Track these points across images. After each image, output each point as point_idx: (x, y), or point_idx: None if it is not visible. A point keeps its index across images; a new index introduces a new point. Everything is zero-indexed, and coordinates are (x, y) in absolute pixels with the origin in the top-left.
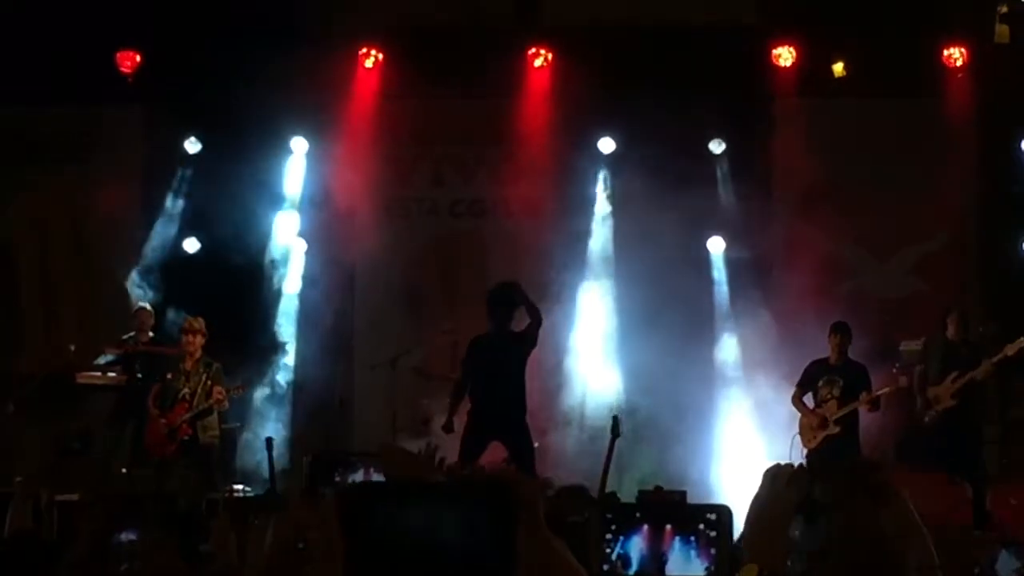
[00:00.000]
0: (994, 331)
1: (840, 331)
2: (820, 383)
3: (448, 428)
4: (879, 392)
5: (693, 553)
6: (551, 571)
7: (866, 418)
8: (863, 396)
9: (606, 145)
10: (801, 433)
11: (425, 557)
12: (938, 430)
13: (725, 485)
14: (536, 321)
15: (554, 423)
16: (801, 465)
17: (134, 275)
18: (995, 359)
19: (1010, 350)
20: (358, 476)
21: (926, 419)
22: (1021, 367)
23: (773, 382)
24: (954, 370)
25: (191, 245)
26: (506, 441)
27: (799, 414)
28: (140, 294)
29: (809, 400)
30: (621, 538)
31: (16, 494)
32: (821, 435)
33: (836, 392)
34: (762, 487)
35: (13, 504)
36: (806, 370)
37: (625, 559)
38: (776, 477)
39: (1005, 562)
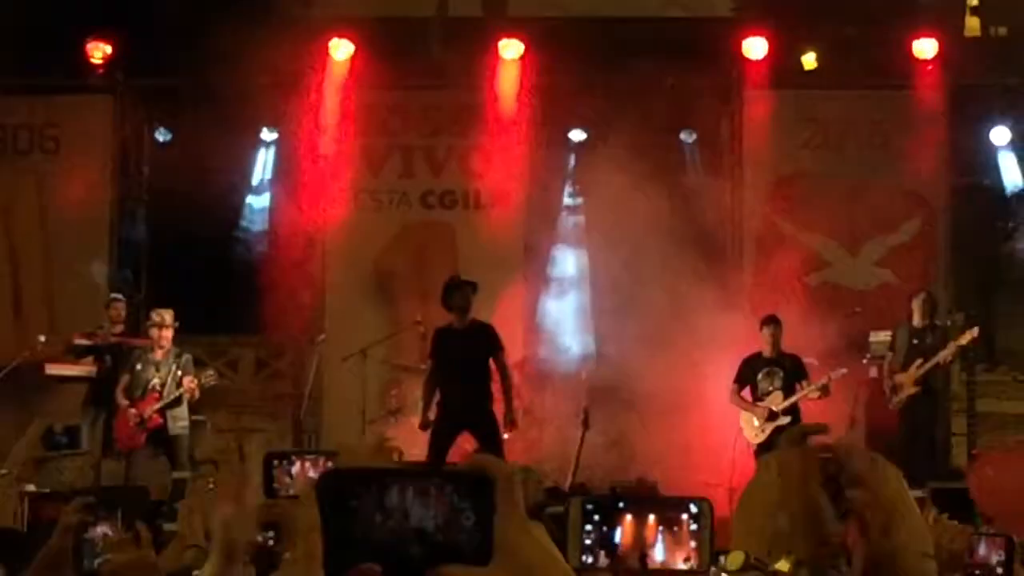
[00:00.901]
0: (962, 322)
1: (773, 323)
2: (759, 376)
3: (425, 426)
4: (833, 375)
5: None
6: (528, 556)
7: (833, 412)
8: (804, 384)
9: (576, 135)
10: (745, 428)
11: (403, 541)
12: (901, 417)
13: (693, 476)
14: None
15: (524, 414)
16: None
17: (104, 266)
18: (960, 341)
19: (965, 339)
20: (295, 469)
21: (890, 406)
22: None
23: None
24: (919, 356)
25: (160, 235)
26: (475, 432)
27: (740, 410)
28: (110, 285)
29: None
30: (603, 529)
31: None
32: (770, 428)
33: (778, 383)
34: (756, 475)
35: None
36: (742, 365)
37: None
38: (770, 466)
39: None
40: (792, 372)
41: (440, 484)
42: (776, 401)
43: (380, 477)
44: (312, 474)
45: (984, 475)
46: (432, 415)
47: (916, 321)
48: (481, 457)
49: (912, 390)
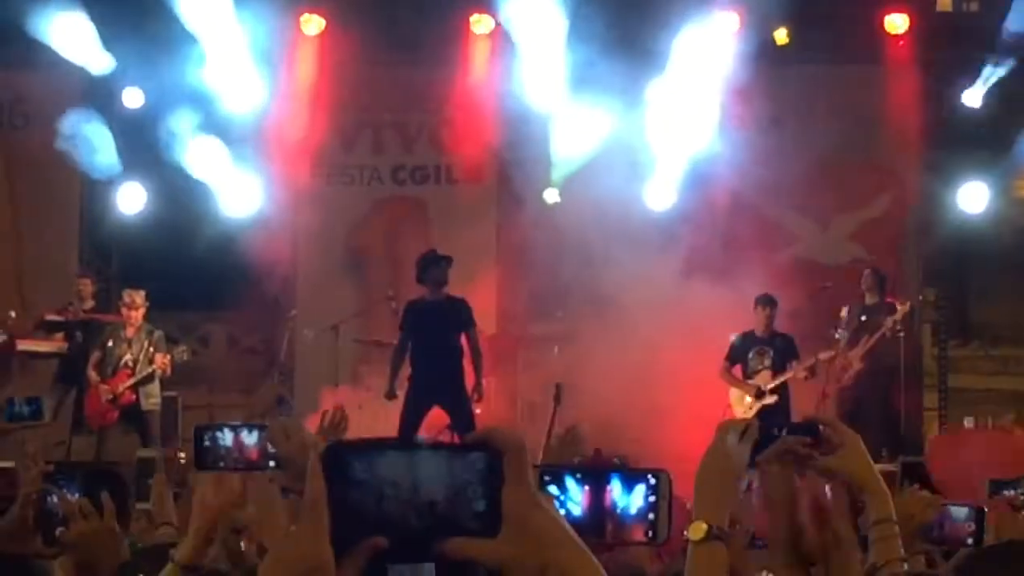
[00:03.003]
0: (932, 297)
1: (768, 303)
2: (750, 355)
3: (391, 395)
4: (822, 357)
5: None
6: (537, 528)
7: (807, 387)
8: (794, 364)
9: (550, 106)
10: (734, 405)
11: (410, 513)
12: (851, 393)
13: (664, 449)
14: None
15: (497, 390)
16: (753, 420)
17: (73, 241)
18: (895, 316)
19: (899, 314)
20: (228, 440)
21: (839, 383)
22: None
23: (716, 347)
24: (865, 333)
25: (130, 209)
26: (447, 407)
27: (730, 386)
28: (80, 261)
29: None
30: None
31: None
32: (757, 406)
33: (767, 362)
34: (714, 443)
35: None
36: (733, 343)
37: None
38: (728, 432)
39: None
40: (783, 351)
41: (447, 456)
42: (765, 379)
43: (386, 448)
44: (249, 444)
45: (937, 454)
46: (398, 386)
47: (867, 299)
48: (489, 428)
49: (859, 366)
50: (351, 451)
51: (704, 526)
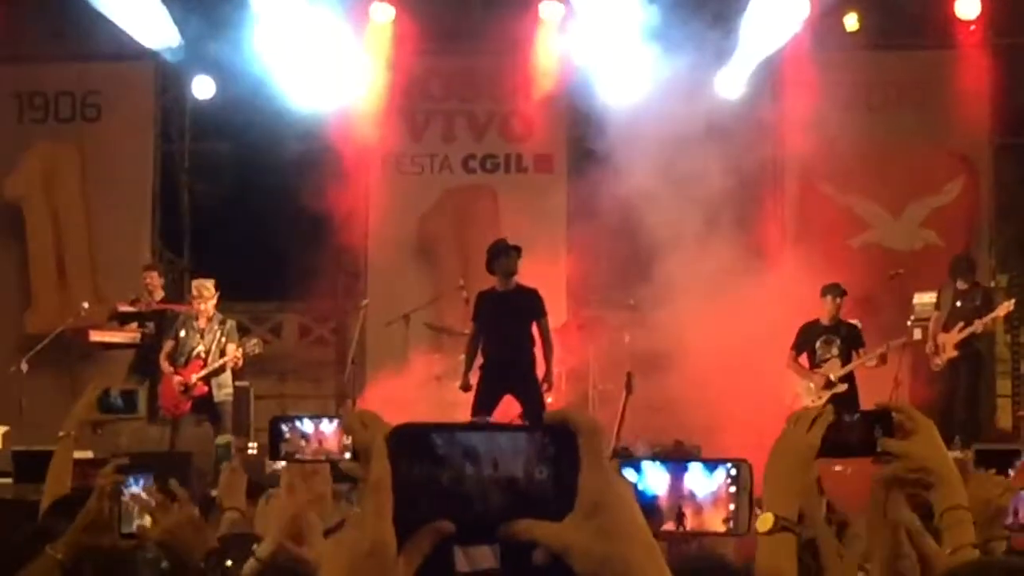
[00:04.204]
0: (1005, 283)
1: (835, 292)
2: (817, 344)
3: (465, 388)
4: (894, 344)
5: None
6: (613, 514)
7: (880, 375)
8: (861, 352)
9: (612, 98)
10: (802, 395)
11: (477, 496)
12: (941, 380)
13: (735, 439)
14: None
15: (568, 379)
16: (826, 408)
17: (146, 232)
18: (986, 318)
19: (1002, 311)
20: (308, 431)
21: (933, 366)
22: None
23: (788, 335)
24: (961, 320)
25: (202, 201)
26: (518, 395)
27: (798, 376)
28: (150, 252)
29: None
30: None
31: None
32: (827, 395)
33: (835, 351)
34: (784, 433)
35: (53, 461)
36: (800, 333)
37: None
38: (799, 421)
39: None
40: (849, 340)
41: (522, 435)
42: (834, 368)
43: (455, 430)
44: (328, 434)
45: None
46: (473, 378)
47: (960, 283)
48: (567, 409)
49: (952, 353)
50: (419, 434)
51: (772, 517)
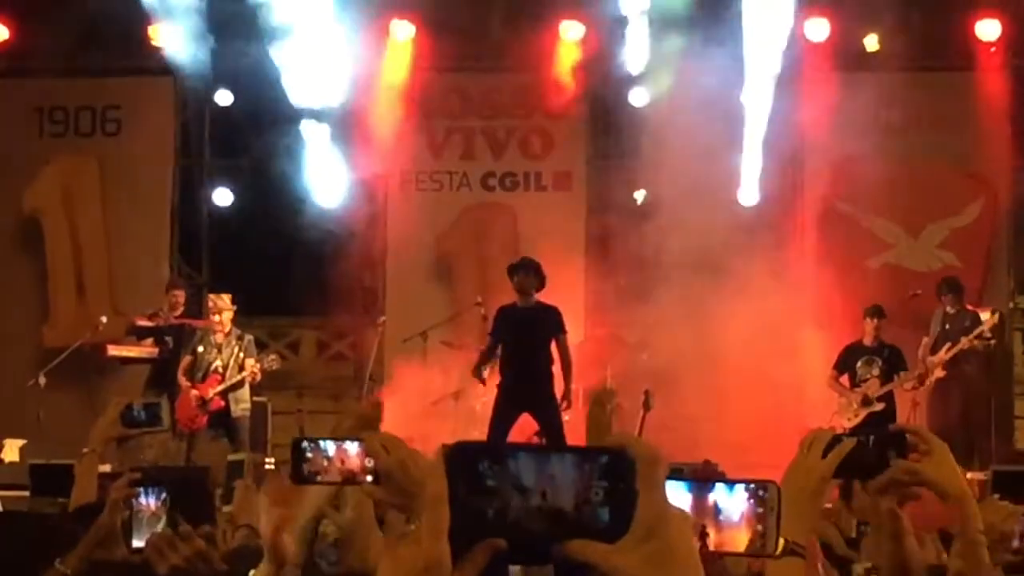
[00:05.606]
0: None
1: (876, 315)
2: (859, 364)
3: (478, 376)
4: (929, 363)
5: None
6: (668, 541)
7: (899, 395)
8: (902, 375)
9: (632, 115)
10: (840, 412)
11: (532, 517)
12: (932, 401)
13: (757, 459)
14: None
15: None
16: (839, 433)
17: (164, 247)
18: (972, 334)
19: (987, 325)
20: (331, 452)
21: (921, 387)
22: None
23: (805, 353)
24: (947, 341)
25: (221, 217)
26: (536, 414)
27: (837, 395)
28: (169, 267)
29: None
30: None
31: (80, 466)
32: (864, 412)
33: (876, 371)
34: (797, 457)
35: (78, 476)
36: (842, 353)
37: None
38: (812, 445)
39: None
40: (891, 362)
41: (578, 459)
42: (873, 387)
43: (514, 452)
44: (352, 455)
45: None
46: (486, 372)
47: (949, 307)
48: (627, 435)
49: (940, 374)
50: (479, 452)
51: (781, 540)
